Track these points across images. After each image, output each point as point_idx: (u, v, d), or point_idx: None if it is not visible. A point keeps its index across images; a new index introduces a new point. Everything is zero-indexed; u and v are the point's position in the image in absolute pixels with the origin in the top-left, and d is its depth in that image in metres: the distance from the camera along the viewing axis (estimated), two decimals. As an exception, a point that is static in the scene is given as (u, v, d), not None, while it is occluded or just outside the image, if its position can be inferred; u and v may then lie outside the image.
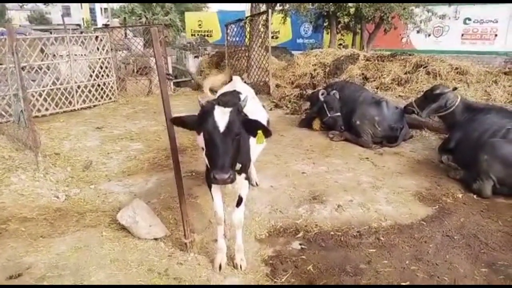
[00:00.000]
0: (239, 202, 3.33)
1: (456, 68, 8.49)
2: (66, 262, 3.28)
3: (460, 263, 3.39)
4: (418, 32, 13.33)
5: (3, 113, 7.03)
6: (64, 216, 4.16)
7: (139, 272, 3.19)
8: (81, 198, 4.63)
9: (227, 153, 2.61)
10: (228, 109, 2.65)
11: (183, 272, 3.23)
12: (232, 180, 2.63)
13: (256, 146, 3.31)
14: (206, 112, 2.68)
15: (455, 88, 5.78)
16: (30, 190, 4.65)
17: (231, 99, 3.15)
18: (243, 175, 3.20)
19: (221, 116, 2.62)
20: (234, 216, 3.35)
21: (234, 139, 2.66)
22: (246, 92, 3.81)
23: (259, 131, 2.80)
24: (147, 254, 3.44)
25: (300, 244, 3.68)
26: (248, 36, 11.26)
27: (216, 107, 2.66)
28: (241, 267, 3.31)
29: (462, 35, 15.40)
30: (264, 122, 3.64)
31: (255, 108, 3.70)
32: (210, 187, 3.32)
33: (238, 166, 2.91)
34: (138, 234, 3.64)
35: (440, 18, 13.50)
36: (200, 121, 2.72)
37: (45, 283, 3.01)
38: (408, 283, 3.14)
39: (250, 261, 3.40)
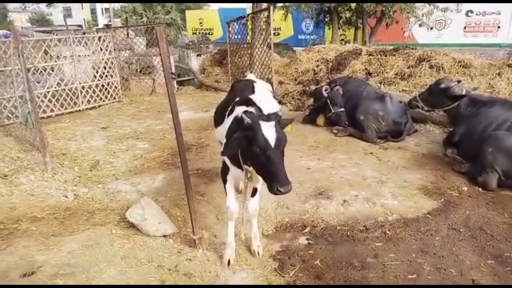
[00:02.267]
0: (254, 192, 3.43)
1: (460, 61, 8.45)
2: (77, 260, 3.34)
3: (466, 255, 3.42)
4: (420, 25, 13.29)
5: (9, 115, 7.12)
6: (74, 215, 4.23)
7: (149, 269, 3.25)
8: (90, 197, 4.69)
9: (282, 165, 2.68)
10: (272, 123, 2.70)
11: (192, 268, 3.28)
12: (291, 188, 2.67)
13: None
14: (253, 129, 2.68)
15: (459, 82, 5.78)
16: (40, 190, 4.72)
17: (246, 87, 3.48)
18: None
19: (270, 132, 2.66)
20: (249, 205, 3.44)
21: (282, 150, 2.74)
22: (260, 83, 4.05)
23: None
24: (156, 251, 3.49)
25: (307, 239, 3.73)
26: (250, 34, 11.26)
27: (261, 123, 2.68)
28: (258, 254, 3.43)
29: (465, 27, 15.29)
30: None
31: (268, 99, 3.77)
32: (225, 183, 3.40)
33: None
34: (147, 232, 3.70)
35: (442, 11, 13.46)
36: (248, 138, 2.72)
37: (58, 281, 3.06)
38: (415, 276, 3.18)
39: (258, 256, 3.44)
